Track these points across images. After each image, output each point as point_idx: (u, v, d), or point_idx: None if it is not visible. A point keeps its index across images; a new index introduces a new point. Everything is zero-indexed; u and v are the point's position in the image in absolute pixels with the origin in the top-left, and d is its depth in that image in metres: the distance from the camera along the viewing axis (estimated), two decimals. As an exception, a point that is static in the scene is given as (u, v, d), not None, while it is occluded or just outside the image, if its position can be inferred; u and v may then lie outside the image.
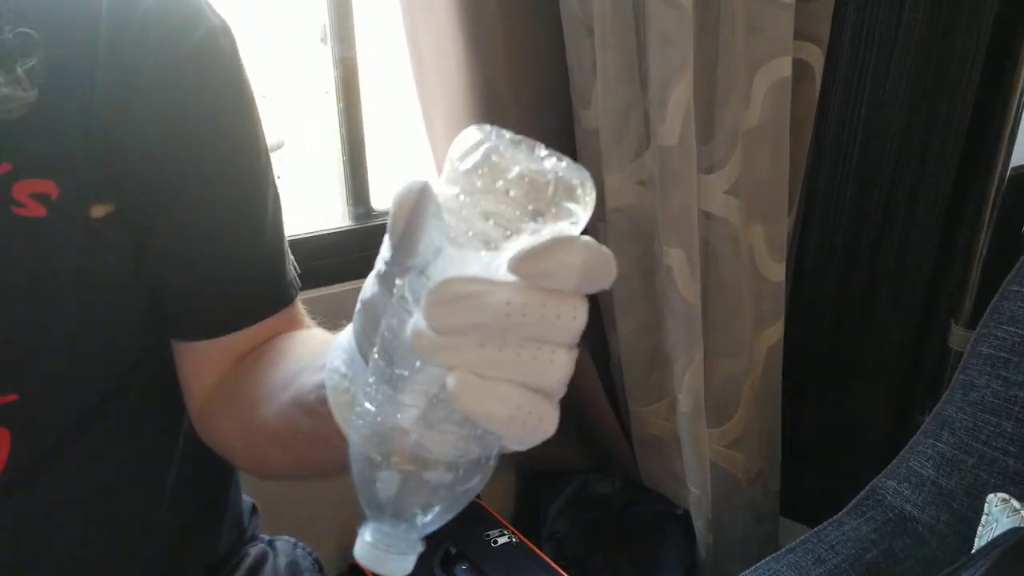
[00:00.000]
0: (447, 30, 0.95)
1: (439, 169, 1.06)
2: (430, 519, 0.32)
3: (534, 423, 0.28)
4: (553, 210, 0.28)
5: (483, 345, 0.27)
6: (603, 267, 0.27)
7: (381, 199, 1.15)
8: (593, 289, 0.27)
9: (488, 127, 0.30)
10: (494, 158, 0.29)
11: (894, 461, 0.97)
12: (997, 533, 0.81)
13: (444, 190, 0.30)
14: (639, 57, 1.01)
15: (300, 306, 0.58)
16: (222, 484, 0.66)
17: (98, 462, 0.53)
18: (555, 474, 1.33)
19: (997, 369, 0.89)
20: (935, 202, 1.19)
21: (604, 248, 0.27)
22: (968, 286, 1.16)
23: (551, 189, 0.28)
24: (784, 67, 1.04)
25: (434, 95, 0.99)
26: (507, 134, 0.29)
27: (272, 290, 0.55)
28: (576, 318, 0.27)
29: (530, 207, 0.28)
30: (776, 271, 1.17)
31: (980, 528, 0.85)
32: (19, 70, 0.44)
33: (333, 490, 1.09)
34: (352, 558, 0.32)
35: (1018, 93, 1.08)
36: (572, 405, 1.24)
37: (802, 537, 0.93)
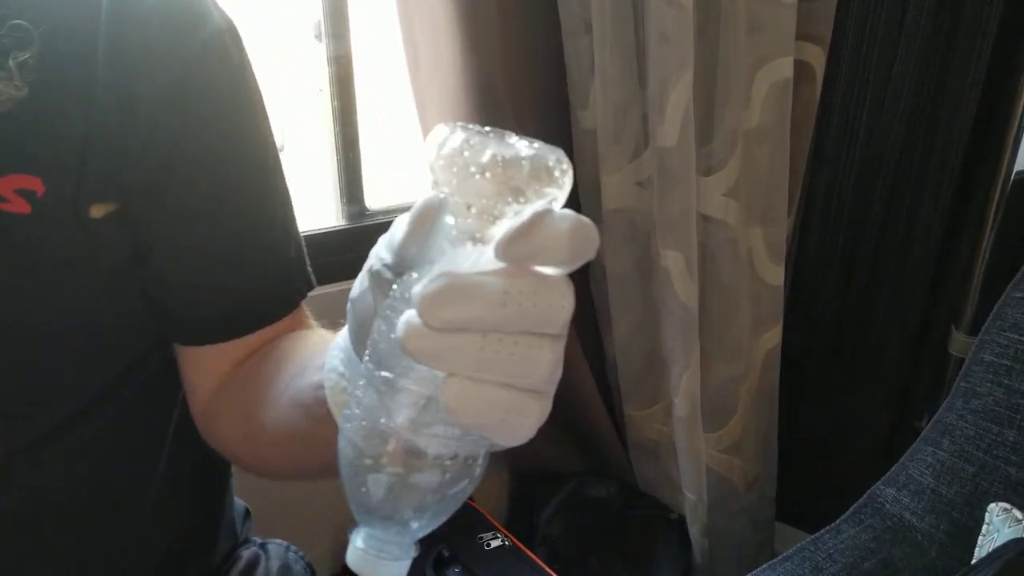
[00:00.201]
0: (443, 27, 0.93)
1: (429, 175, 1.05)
2: (422, 523, 0.31)
3: (522, 423, 0.27)
4: (533, 187, 0.28)
5: (483, 348, 0.26)
6: (588, 234, 0.27)
7: (376, 198, 1.14)
8: (583, 259, 0.27)
9: (458, 123, 0.29)
10: (466, 150, 0.28)
11: (893, 468, 0.96)
12: (998, 543, 0.80)
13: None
14: (638, 56, 1.00)
15: (305, 307, 0.57)
16: (216, 491, 0.65)
17: (84, 464, 0.52)
18: (549, 477, 1.32)
19: (999, 377, 0.88)
20: (937, 206, 1.18)
21: (583, 217, 0.27)
22: (970, 292, 1.14)
23: (526, 167, 0.27)
24: (785, 67, 1.03)
25: (430, 94, 0.98)
26: (474, 127, 0.29)
27: (277, 295, 0.54)
28: (564, 306, 0.27)
29: (509, 187, 0.28)
30: (775, 274, 1.15)
31: (981, 538, 0.84)
32: (11, 63, 0.43)
33: (326, 493, 1.08)
34: (345, 560, 0.32)
35: (1023, 96, 1.06)
36: (567, 408, 1.23)
37: (799, 544, 0.91)
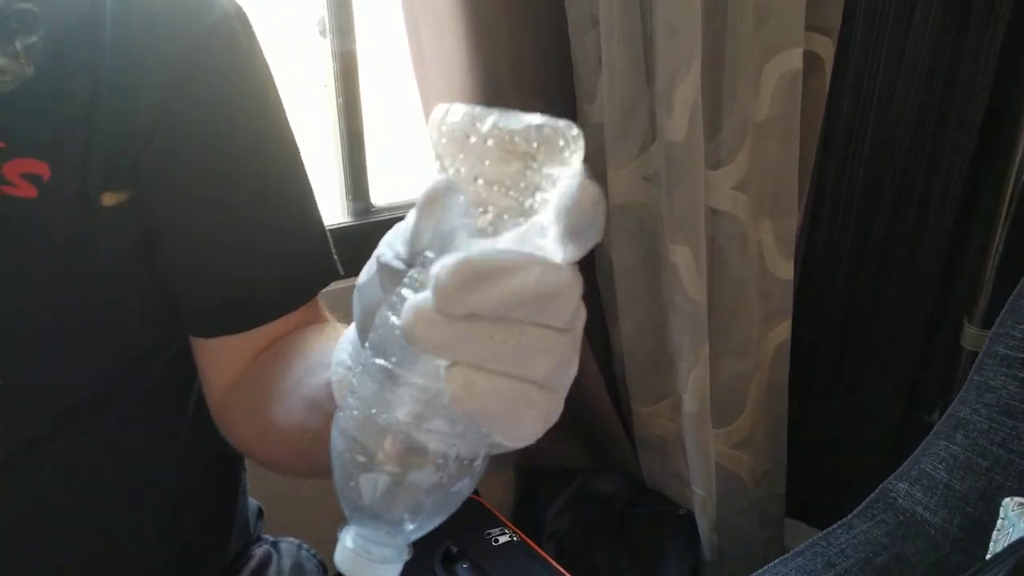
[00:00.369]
0: (448, 22, 0.93)
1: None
2: (416, 524, 0.29)
3: (527, 415, 0.26)
4: (542, 153, 0.26)
5: (492, 336, 0.25)
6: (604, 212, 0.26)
7: (381, 194, 1.13)
8: (593, 239, 0.26)
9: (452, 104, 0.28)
10: (468, 120, 0.27)
11: (906, 463, 0.95)
12: (1013, 538, 0.79)
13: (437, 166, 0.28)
14: (645, 49, 0.99)
15: (320, 302, 0.56)
16: (230, 489, 0.64)
17: (92, 459, 0.51)
18: (556, 473, 1.31)
19: (1014, 370, 0.87)
20: (948, 198, 1.17)
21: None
22: (982, 285, 1.13)
23: (532, 133, 0.26)
24: (795, 59, 1.02)
25: (434, 89, 0.97)
26: (475, 106, 0.28)
27: (290, 286, 0.53)
28: (570, 296, 0.26)
29: (516, 154, 0.26)
30: (785, 268, 1.14)
31: (995, 532, 0.83)
32: (18, 46, 0.43)
33: (333, 489, 1.07)
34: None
35: (1035, 86, 1.05)
36: (573, 404, 1.22)
37: (811, 540, 0.91)
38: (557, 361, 0.26)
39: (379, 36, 1.09)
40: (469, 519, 1.15)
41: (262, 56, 0.51)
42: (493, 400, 0.25)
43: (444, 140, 0.27)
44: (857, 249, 1.26)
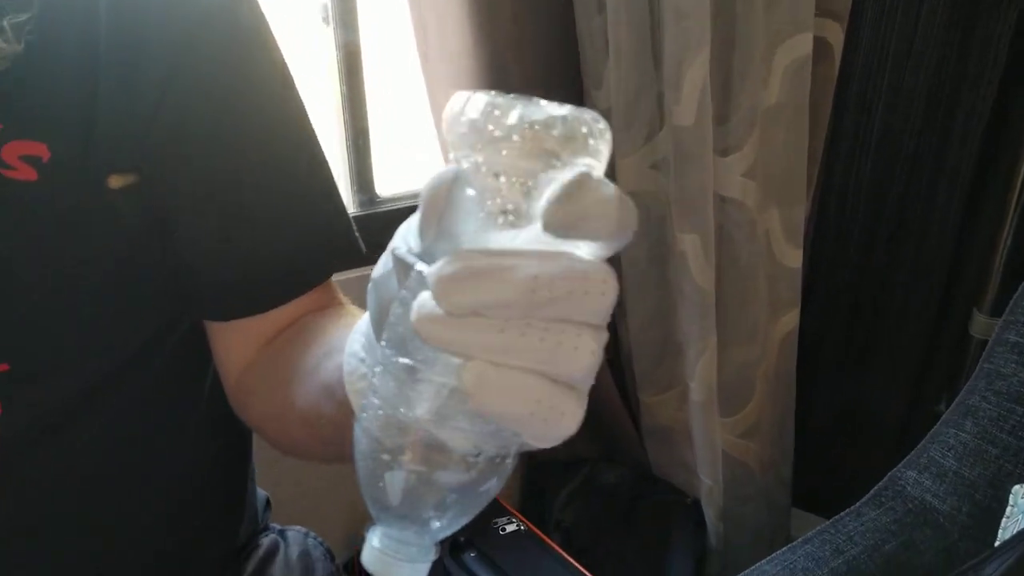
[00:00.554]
0: (453, 8, 0.92)
1: (444, 153, 1.04)
2: (443, 523, 0.29)
3: (556, 419, 0.25)
4: (568, 150, 0.25)
5: (503, 330, 0.24)
6: (631, 209, 0.24)
7: (385, 185, 1.12)
8: (627, 233, 0.24)
9: (474, 91, 0.27)
10: (491, 112, 0.26)
11: (914, 451, 0.95)
12: (1022, 526, 0.79)
13: (453, 155, 0.27)
14: (653, 34, 0.98)
15: (335, 285, 0.55)
16: (239, 475, 0.64)
17: (101, 444, 0.50)
18: (562, 462, 1.31)
19: (1024, 357, 0.86)
20: (956, 187, 1.16)
21: (622, 193, 0.25)
22: (992, 273, 1.13)
23: (559, 127, 0.25)
24: (804, 44, 1.01)
25: (440, 77, 0.97)
26: (495, 93, 0.26)
27: (308, 267, 0.52)
28: (606, 293, 0.24)
29: (541, 150, 0.25)
30: (793, 256, 1.14)
31: (1004, 520, 0.83)
32: (5, 23, 0.41)
33: (340, 478, 1.08)
34: (358, 544, 0.30)
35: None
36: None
37: (819, 527, 0.90)
38: (590, 359, 0.24)
39: (383, 25, 1.08)
40: (476, 508, 1.15)
41: (268, 30, 0.50)
42: (513, 398, 0.24)
43: (463, 131, 0.26)
44: (865, 238, 1.25)
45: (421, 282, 0.26)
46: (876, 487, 0.95)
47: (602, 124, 0.26)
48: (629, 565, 1.23)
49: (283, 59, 0.51)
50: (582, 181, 0.24)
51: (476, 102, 0.26)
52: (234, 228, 0.49)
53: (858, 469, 1.16)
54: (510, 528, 1.12)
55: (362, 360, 0.35)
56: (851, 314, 1.31)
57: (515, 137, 0.25)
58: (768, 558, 0.86)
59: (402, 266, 0.28)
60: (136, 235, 0.47)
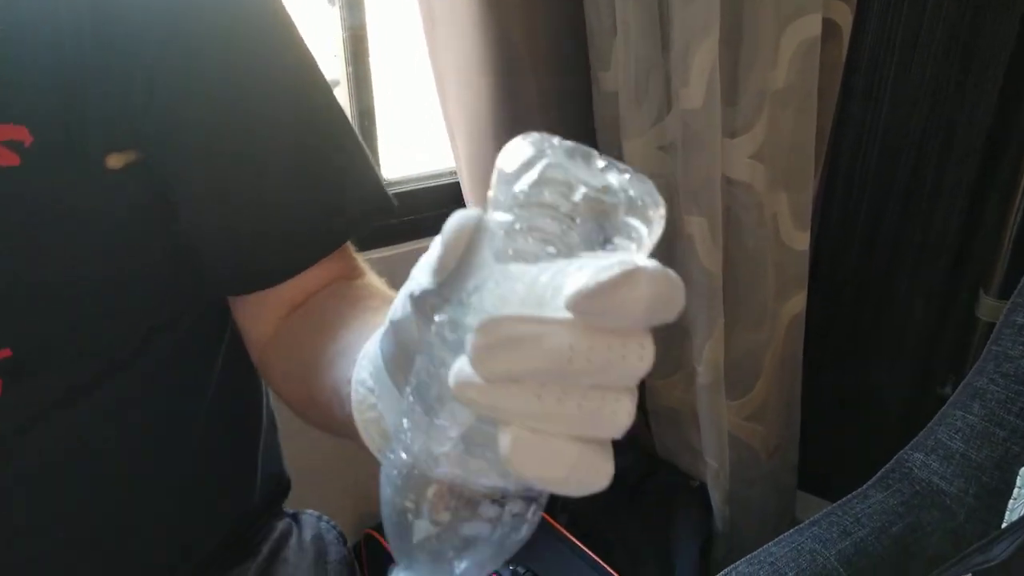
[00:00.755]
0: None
1: (451, 138, 1.04)
2: (469, 570, 0.28)
3: (591, 478, 0.24)
4: (618, 233, 0.25)
5: (540, 396, 0.23)
6: (671, 299, 0.23)
7: (392, 169, 1.12)
8: (658, 323, 0.24)
9: (537, 136, 0.26)
10: (553, 175, 0.25)
11: (921, 433, 0.95)
12: (1030, 507, 0.79)
13: (497, 215, 0.26)
14: (661, 15, 0.97)
15: (352, 250, 0.53)
16: (246, 462, 0.63)
17: (105, 429, 0.50)
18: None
19: (1033, 339, 0.86)
20: (964, 170, 1.15)
21: (672, 274, 0.23)
22: (999, 255, 1.12)
23: (620, 211, 0.24)
24: (814, 25, 1.00)
25: (447, 58, 0.96)
26: (557, 141, 0.26)
27: (320, 235, 0.50)
28: (643, 358, 0.23)
29: (593, 230, 0.25)
30: (800, 239, 1.13)
31: (1011, 502, 0.83)
32: None
33: (349, 460, 1.08)
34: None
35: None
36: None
37: (826, 509, 0.91)
38: (627, 421, 0.24)
39: (389, 6, 1.08)
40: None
41: None
42: (550, 464, 0.24)
43: (522, 190, 0.25)
44: (872, 221, 1.25)
45: (445, 333, 0.26)
46: (883, 469, 0.95)
47: (660, 201, 0.25)
48: (635, 548, 1.23)
49: (287, 18, 0.49)
50: (614, 280, 0.22)
51: (537, 167, 0.25)
52: (242, 199, 0.48)
53: (863, 452, 1.16)
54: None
55: (371, 390, 0.34)
56: (857, 297, 1.31)
57: (574, 216, 0.25)
58: (775, 540, 0.87)
59: (421, 310, 0.27)
60: (140, 214, 0.46)
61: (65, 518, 0.50)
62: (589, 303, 0.22)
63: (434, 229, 0.26)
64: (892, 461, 0.95)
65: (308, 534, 0.68)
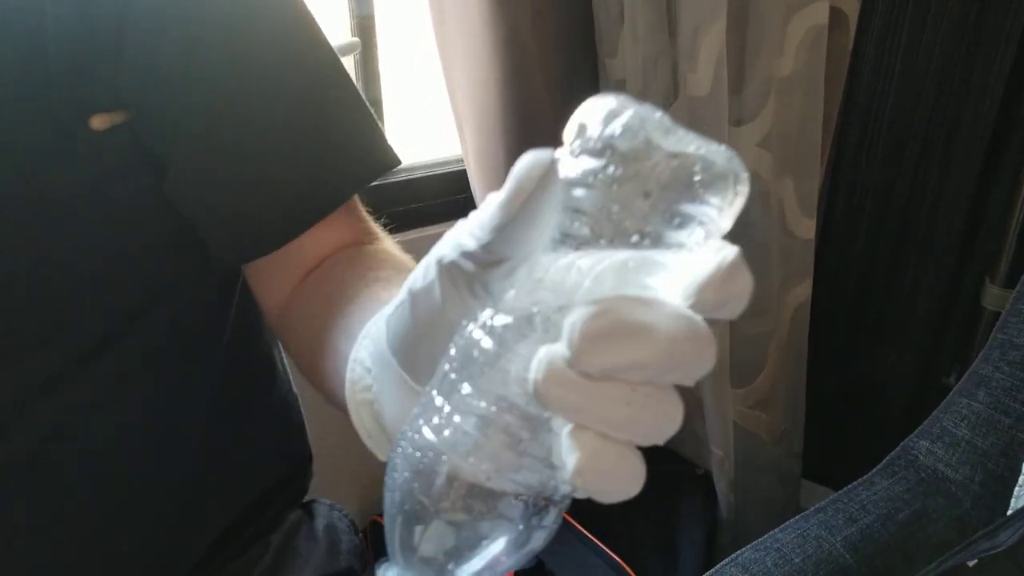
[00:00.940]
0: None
1: (459, 130, 1.04)
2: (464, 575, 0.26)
3: (637, 488, 0.22)
4: (694, 209, 0.23)
5: (630, 403, 0.21)
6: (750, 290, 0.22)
7: (400, 156, 1.12)
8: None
9: (622, 95, 0.24)
10: (640, 136, 0.23)
11: (927, 421, 0.95)
12: (1036, 493, 0.79)
13: (576, 163, 0.24)
14: (668, 2, 0.97)
15: (361, 209, 0.50)
16: (260, 431, 0.61)
17: (101, 409, 0.48)
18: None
19: (1040, 326, 0.86)
20: (970, 159, 1.15)
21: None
22: (1005, 244, 1.12)
23: (698, 187, 0.23)
24: (820, 13, 1.00)
25: (455, 46, 0.96)
26: (640, 104, 0.24)
27: (320, 191, 0.47)
28: (711, 359, 0.22)
29: (671, 202, 0.23)
30: (806, 228, 1.13)
31: (1017, 488, 0.84)
32: None
33: (353, 445, 1.08)
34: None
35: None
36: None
37: (832, 496, 0.91)
38: (676, 426, 0.22)
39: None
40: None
41: None
42: (620, 476, 0.22)
43: (601, 145, 0.23)
44: (878, 210, 1.25)
45: (490, 304, 0.24)
46: (888, 457, 0.95)
47: (744, 177, 0.24)
48: (639, 536, 1.24)
49: None
50: (738, 265, 0.21)
51: (621, 119, 0.23)
52: (236, 154, 0.45)
53: (868, 441, 1.16)
54: (521, 498, 1.13)
55: (368, 370, 0.32)
56: (862, 286, 1.31)
57: (651, 186, 0.23)
58: (781, 526, 0.87)
59: (453, 279, 0.25)
60: (131, 180, 0.44)
61: (60, 501, 0.49)
62: (716, 293, 0.21)
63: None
64: (898, 449, 0.95)
65: (321, 523, 0.67)
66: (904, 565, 0.82)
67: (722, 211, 0.23)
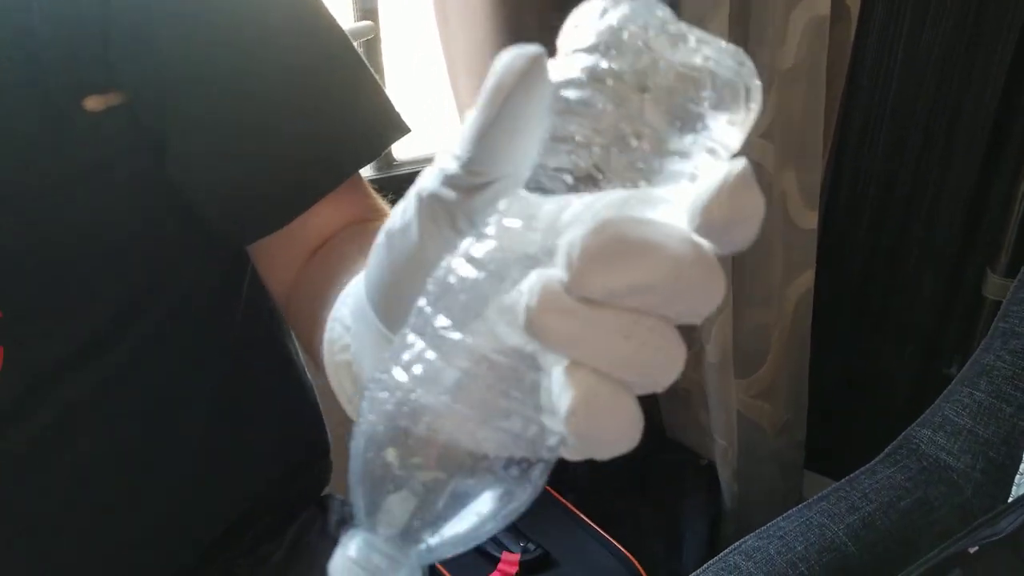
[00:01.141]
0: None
1: (461, 113, 1.04)
2: (439, 543, 0.23)
3: (630, 441, 0.20)
4: (698, 109, 0.20)
5: (630, 336, 0.19)
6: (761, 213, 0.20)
7: (401, 148, 1.12)
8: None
9: None
10: (638, 28, 0.20)
11: (928, 410, 0.96)
12: (1037, 481, 0.80)
13: (564, 70, 0.21)
14: (671, -6, 0.97)
15: (366, 186, 0.49)
16: (269, 421, 0.60)
17: (108, 395, 0.47)
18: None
19: (1041, 316, 0.87)
20: (972, 150, 1.15)
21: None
22: (1007, 234, 1.13)
23: (704, 103, 0.20)
24: (822, 4, 1.00)
25: (458, 42, 0.96)
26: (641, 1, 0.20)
27: (326, 165, 0.46)
28: (723, 286, 0.19)
29: (672, 104, 0.20)
30: (809, 218, 1.14)
31: (1018, 476, 0.84)
32: None
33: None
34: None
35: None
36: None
37: (834, 485, 0.92)
38: (681, 367, 0.20)
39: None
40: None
41: None
42: (612, 419, 0.19)
43: (592, 43, 0.20)
44: (880, 200, 1.25)
45: (472, 230, 0.21)
46: (891, 446, 0.96)
47: (755, 85, 0.21)
48: (644, 526, 1.25)
49: None
50: (747, 177, 0.19)
51: (616, 15, 0.21)
52: (237, 130, 0.44)
53: (870, 431, 1.17)
54: (526, 489, 1.14)
55: (347, 328, 0.29)
56: (864, 277, 1.32)
57: (662, 61, 0.20)
58: (784, 515, 0.88)
59: (434, 212, 0.22)
60: (130, 163, 0.43)
61: (63, 487, 0.48)
62: (722, 210, 0.18)
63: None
64: (900, 437, 0.96)
65: (333, 519, 0.66)
66: (906, 552, 0.83)
67: (732, 128, 0.21)
